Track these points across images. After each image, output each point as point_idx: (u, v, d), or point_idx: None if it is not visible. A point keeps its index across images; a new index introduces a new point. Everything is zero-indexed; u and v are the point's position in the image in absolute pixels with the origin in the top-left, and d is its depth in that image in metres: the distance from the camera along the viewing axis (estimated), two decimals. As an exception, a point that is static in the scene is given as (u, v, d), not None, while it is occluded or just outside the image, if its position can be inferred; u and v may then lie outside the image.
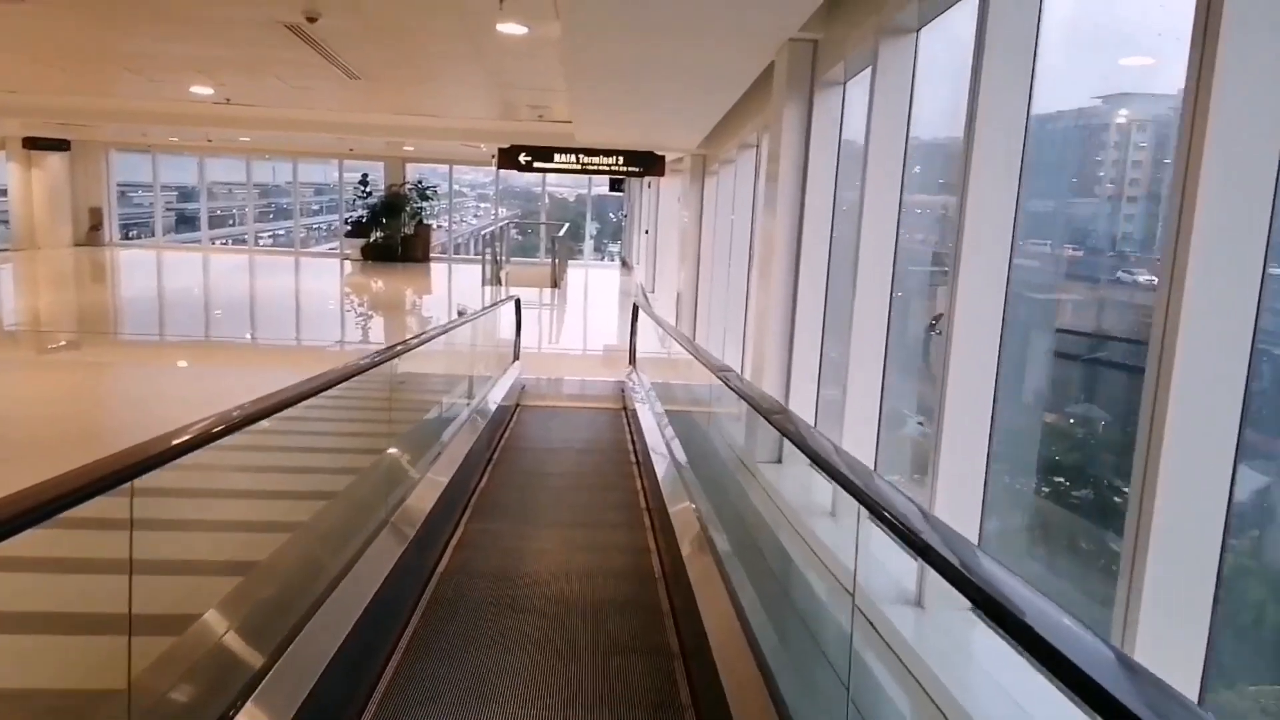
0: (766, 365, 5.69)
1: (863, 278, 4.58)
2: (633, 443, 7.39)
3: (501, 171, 31.96)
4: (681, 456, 5.72)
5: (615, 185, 23.59)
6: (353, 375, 3.52)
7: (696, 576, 3.62)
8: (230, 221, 27.65)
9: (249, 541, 3.67)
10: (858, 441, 4.54)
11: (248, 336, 12.72)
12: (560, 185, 34.20)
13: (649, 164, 10.67)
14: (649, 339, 9.70)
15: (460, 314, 6.94)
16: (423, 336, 5.31)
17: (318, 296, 17.88)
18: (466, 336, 7.19)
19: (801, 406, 5.62)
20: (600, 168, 10.66)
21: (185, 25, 6.31)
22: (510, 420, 7.96)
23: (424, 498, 4.46)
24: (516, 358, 9.50)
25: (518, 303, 9.46)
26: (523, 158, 10.64)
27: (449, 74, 7.91)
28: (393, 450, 4.61)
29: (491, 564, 4.46)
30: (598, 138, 10.16)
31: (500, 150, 10.52)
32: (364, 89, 8.34)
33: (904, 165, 4.39)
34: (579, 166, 10.65)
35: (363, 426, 4.85)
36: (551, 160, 10.59)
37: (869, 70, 4.43)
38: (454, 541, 4.79)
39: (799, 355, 5.62)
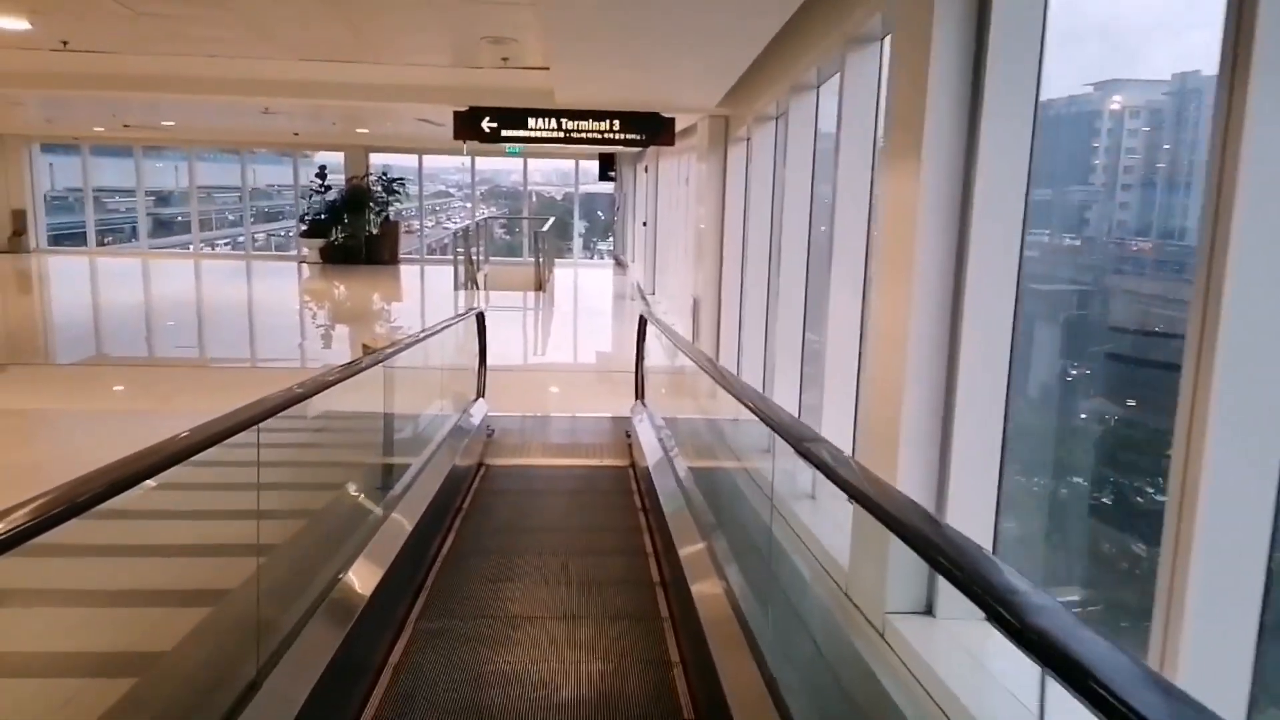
0: (905, 436, 3.15)
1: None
2: (651, 540, 4.85)
3: (484, 168, 29.60)
4: (742, 590, 3.20)
5: (605, 173, 21.03)
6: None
7: None
8: (176, 229, 24.93)
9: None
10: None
11: (145, 353, 10.18)
12: (546, 184, 31.83)
13: (653, 130, 8.11)
14: (655, 352, 7.18)
15: (365, 351, 4.38)
16: (292, 395, 2.83)
17: (259, 308, 15.24)
18: (395, 376, 4.63)
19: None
20: (589, 135, 8.08)
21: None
22: (466, 495, 5.41)
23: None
24: (480, 394, 6.93)
25: (480, 319, 6.90)
26: (486, 123, 8.09)
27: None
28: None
29: None
30: (584, 95, 7.59)
31: (457, 115, 7.96)
32: (249, 22, 5.76)
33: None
34: (561, 134, 8.08)
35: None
36: (525, 126, 8.03)
37: None
38: None
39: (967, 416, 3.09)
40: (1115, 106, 3.36)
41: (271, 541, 3.45)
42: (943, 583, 3.06)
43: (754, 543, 3.85)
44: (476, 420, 6.42)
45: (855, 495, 2.01)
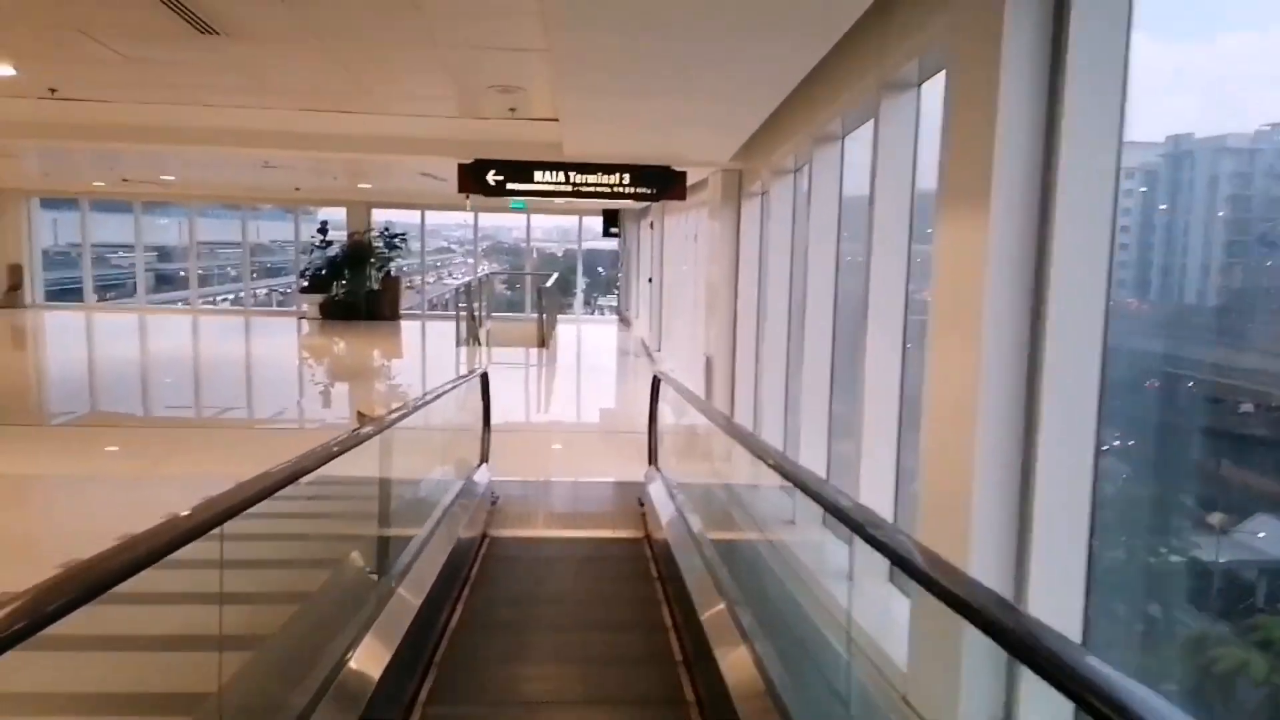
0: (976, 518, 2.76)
1: None
2: (670, 615, 4.41)
3: (487, 224, 29.53)
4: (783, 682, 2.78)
5: (609, 229, 20.91)
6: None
7: None
8: (180, 284, 24.70)
9: None
10: None
11: (139, 411, 9.78)
12: (548, 240, 31.82)
13: (664, 184, 7.86)
14: (669, 413, 6.80)
15: (360, 420, 4.00)
16: (275, 478, 2.46)
17: (256, 364, 14.88)
18: (395, 442, 4.24)
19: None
20: (598, 189, 7.82)
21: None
22: (471, 567, 4.98)
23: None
24: (484, 459, 6.53)
25: (484, 381, 6.53)
26: (492, 176, 7.83)
27: (380, 42, 5.10)
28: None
29: None
30: (594, 148, 7.35)
31: (461, 169, 7.71)
32: (245, 68, 5.53)
33: None
34: (569, 188, 7.82)
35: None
36: (531, 180, 7.78)
37: None
38: None
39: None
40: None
41: (254, 633, 3.04)
42: (1025, 689, 2.64)
43: (798, 633, 3.43)
44: (481, 487, 6.01)
45: (949, 599, 1.63)
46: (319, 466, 2.82)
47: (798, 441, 5.95)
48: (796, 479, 2.86)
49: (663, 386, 6.58)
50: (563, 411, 11.37)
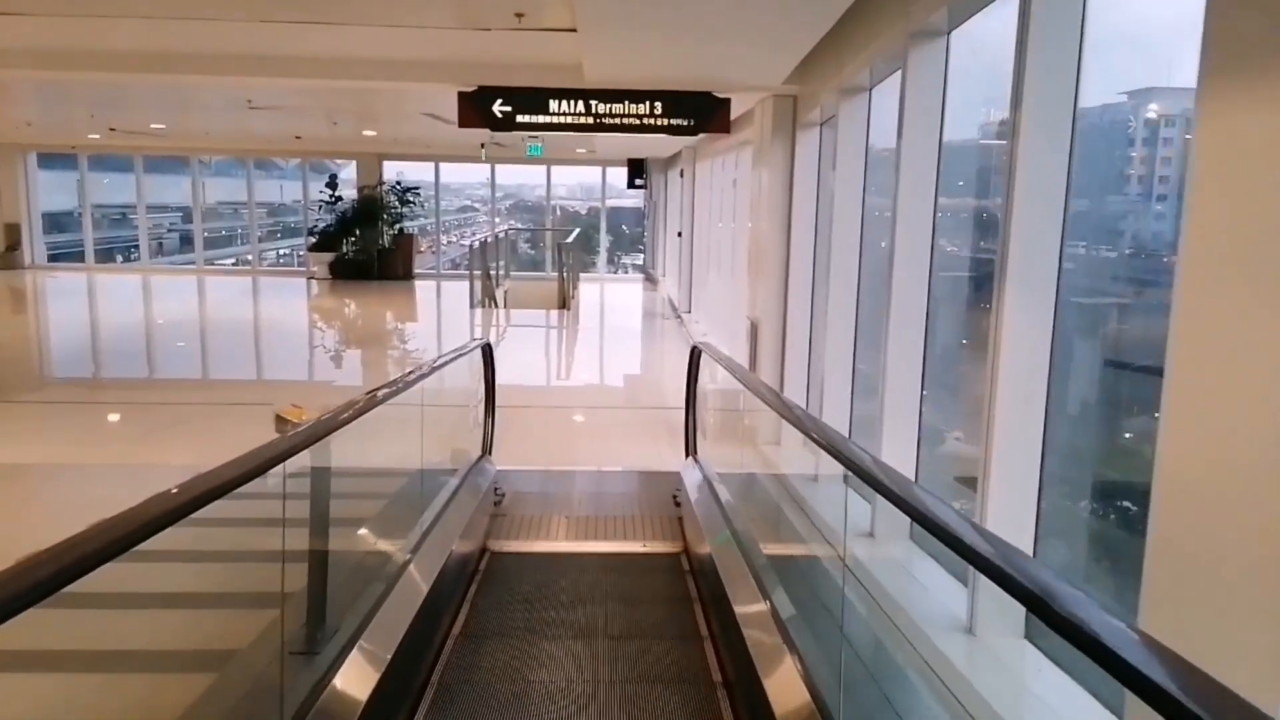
0: None
1: None
2: (720, 667, 3.24)
3: (508, 180, 28.18)
4: None
5: (634, 181, 19.52)
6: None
7: None
8: (193, 245, 23.67)
9: None
10: None
11: (135, 374, 8.73)
12: (571, 197, 30.49)
13: (704, 114, 6.53)
14: (711, 394, 5.59)
15: (279, 425, 2.83)
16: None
17: (262, 329, 13.80)
18: (348, 450, 3.06)
19: None
20: (626, 121, 6.51)
21: None
22: (460, 606, 3.83)
23: None
24: (486, 451, 5.36)
25: (487, 353, 5.32)
26: (498, 107, 6.55)
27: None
28: None
29: None
30: (620, 70, 6.04)
31: (462, 99, 6.44)
32: None
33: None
34: (590, 120, 6.52)
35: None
36: (545, 110, 6.49)
37: None
38: None
39: None
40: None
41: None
42: None
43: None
44: (482, 485, 4.85)
45: None
46: (169, 518, 1.64)
47: (872, 432, 4.71)
48: (877, 480, 1.72)
49: (704, 360, 5.35)
50: (584, 383, 10.17)
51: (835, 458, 2.47)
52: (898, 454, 4.34)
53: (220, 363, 11.02)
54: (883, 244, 5.48)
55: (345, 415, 2.52)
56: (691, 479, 5.15)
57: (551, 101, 6.49)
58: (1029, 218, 2.99)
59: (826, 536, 4.38)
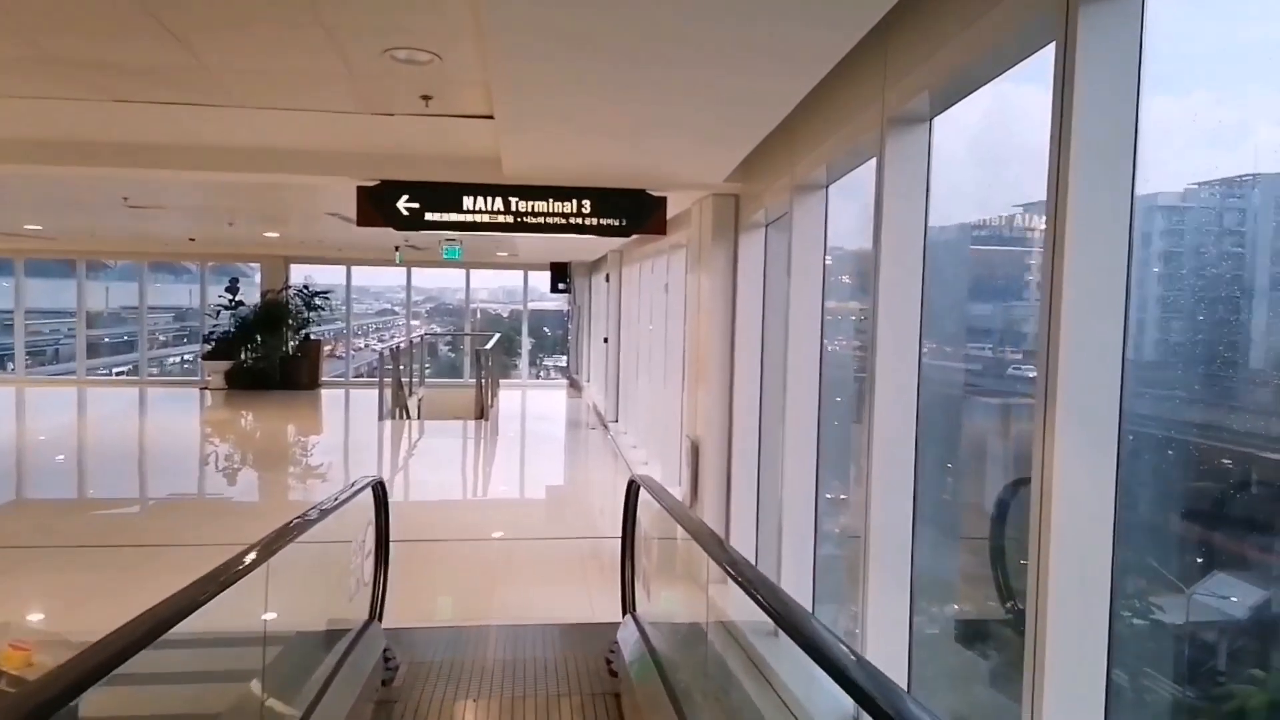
0: None
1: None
2: None
3: (429, 284, 27.46)
4: None
5: (557, 285, 18.95)
6: None
7: None
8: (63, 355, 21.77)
9: None
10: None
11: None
12: (493, 300, 29.88)
13: (637, 213, 5.90)
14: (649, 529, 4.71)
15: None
16: None
17: (118, 453, 12.31)
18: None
19: None
20: (550, 221, 5.81)
21: None
22: None
23: None
24: (376, 614, 4.33)
25: (379, 493, 4.36)
26: (404, 204, 5.76)
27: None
28: None
29: None
30: (543, 162, 5.37)
31: (363, 195, 5.66)
32: (29, 37, 3.53)
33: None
34: (510, 219, 5.80)
35: None
36: (459, 208, 5.74)
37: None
38: None
39: None
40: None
41: None
42: None
43: None
44: (367, 666, 3.82)
45: None
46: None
47: (848, 577, 3.90)
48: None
49: (643, 496, 4.49)
50: (501, 508, 9.14)
51: (812, 655, 1.73)
52: (886, 615, 3.53)
53: (46, 485, 9.60)
54: (848, 351, 4.81)
55: (94, 663, 1.57)
56: (631, 643, 4.22)
57: (466, 198, 5.75)
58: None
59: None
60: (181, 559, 6.16)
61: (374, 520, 4.36)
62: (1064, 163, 2.30)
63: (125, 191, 8.40)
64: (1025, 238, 4.02)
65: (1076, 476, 2.31)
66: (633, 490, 4.53)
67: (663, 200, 5.83)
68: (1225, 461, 2.88)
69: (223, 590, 2.42)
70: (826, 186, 4.64)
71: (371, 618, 4.26)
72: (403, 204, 5.71)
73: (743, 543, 5.72)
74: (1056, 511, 2.31)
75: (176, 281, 22.96)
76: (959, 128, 3.47)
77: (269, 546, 2.56)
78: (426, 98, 4.43)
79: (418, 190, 5.71)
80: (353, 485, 3.92)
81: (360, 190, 5.67)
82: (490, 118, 4.75)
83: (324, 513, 3.20)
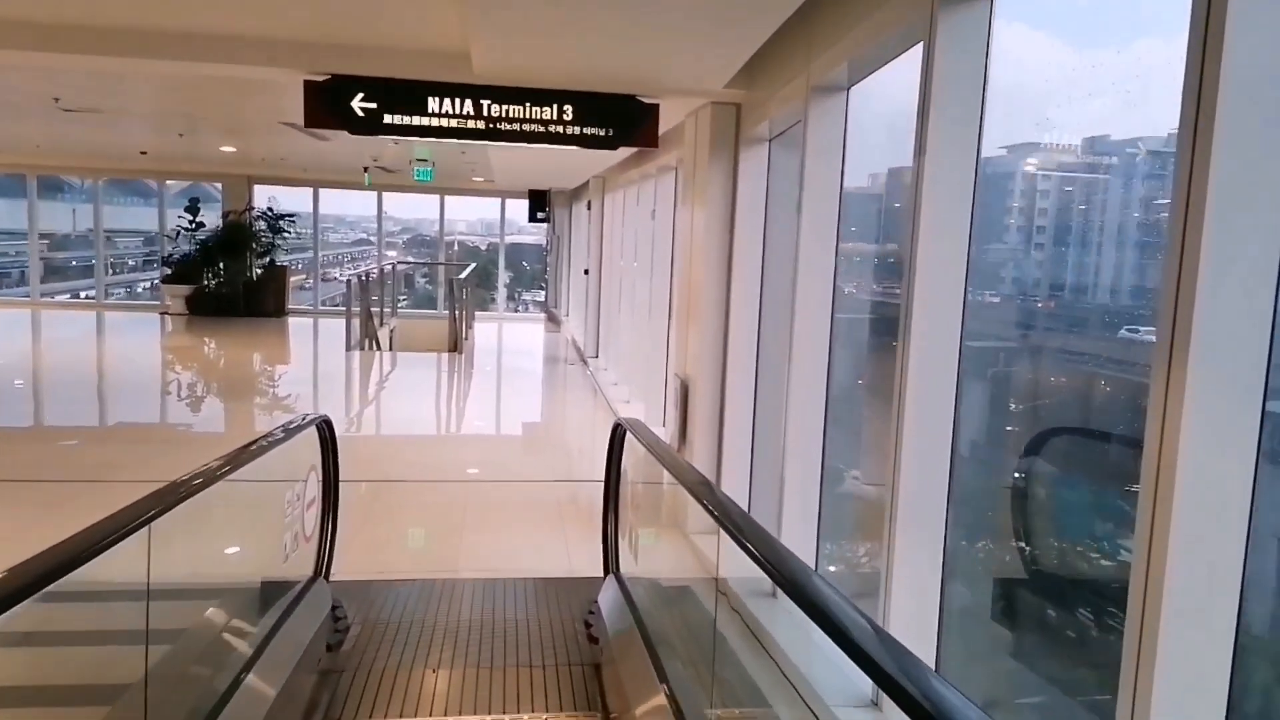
0: None
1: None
2: None
3: (406, 216, 26.53)
4: None
5: (535, 214, 18.15)
6: None
7: None
8: (60, 276, 20.73)
9: None
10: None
11: None
12: (471, 233, 29.06)
13: (626, 121, 5.22)
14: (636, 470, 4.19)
15: None
16: None
17: (70, 378, 11.58)
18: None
19: None
20: (527, 129, 5.12)
21: None
22: None
23: None
24: (322, 571, 3.79)
25: (325, 433, 3.78)
26: (359, 103, 5.04)
27: None
28: None
29: None
30: (518, 59, 4.66)
31: (311, 90, 4.93)
32: None
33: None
34: (482, 124, 5.11)
35: None
36: (423, 110, 5.04)
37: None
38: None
39: None
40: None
41: None
42: None
43: None
44: (309, 630, 3.30)
45: None
46: None
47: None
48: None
49: (629, 441, 3.95)
50: (471, 448, 8.60)
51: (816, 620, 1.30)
52: (912, 581, 3.04)
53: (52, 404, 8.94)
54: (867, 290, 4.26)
55: None
56: (613, 606, 3.73)
57: (431, 99, 5.04)
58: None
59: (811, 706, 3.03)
60: (115, 496, 5.59)
61: (319, 464, 3.79)
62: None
63: (49, 89, 7.54)
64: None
65: (1207, 463, 1.77)
66: (618, 435, 3.98)
67: (655, 107, 5.15)
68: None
69: (97, 554, 1.87)
70: (848, 89, 4.01)
71: (316, 574, 3.73)
72: (358, 103, 5.00)
73: (735, 492, 5.23)
74: (1178, 506, 1.77)
75: (146, 205, 21.94)
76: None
77: (142, 511, 1.98)
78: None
79: (375, 87, 4.99)
80: (289, 424, 3.33)
81: (308, 85, 4.95)
82: (456, -2, 4.04)
83: (234, 463, 2.62)
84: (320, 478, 3.79)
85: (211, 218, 17.09)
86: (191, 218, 16.76)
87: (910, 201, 3.01)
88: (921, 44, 2.94)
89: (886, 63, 3.50)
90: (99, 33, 4.80)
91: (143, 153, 13.51)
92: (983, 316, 3.38)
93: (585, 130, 5.16)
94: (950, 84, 2.89)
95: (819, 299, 4.11)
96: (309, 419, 3.66)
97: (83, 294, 19.22)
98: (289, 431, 3.20)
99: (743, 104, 5.24)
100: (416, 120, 5.08)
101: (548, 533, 5.57)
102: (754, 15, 3.72)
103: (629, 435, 3.88)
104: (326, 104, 4.99)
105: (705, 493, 2.56)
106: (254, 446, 2.87)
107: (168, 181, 18.16)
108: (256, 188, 17.46)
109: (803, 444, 4.15)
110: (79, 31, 4.80)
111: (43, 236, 20.99)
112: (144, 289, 22.54)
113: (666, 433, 7.08)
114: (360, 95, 4.98)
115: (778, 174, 5.20)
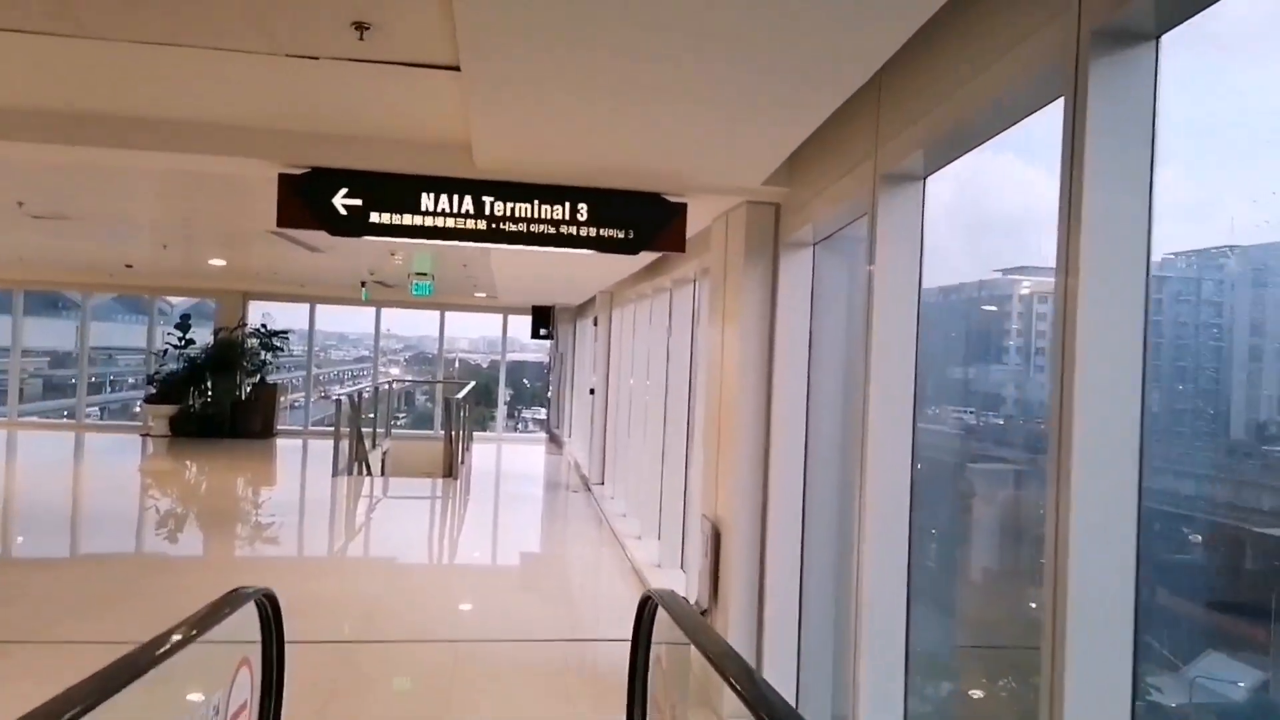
0: None
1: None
2: None
3: (408, 333, 26.07)
4: None
5: (538, 331, 17.59)
6: None
7: None
8: (62, 394, 20.07)
9: None
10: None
11: None
12: (473, 351, 28.73)
13: (650, 224, 4.52)
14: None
15: None
16: None
17: (38, 504, 10.59)
18: None
19: None
20: (535, 230, 4.43)
21: None
22: None
23: None
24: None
25: (267, 607, 2.88)
26: (342, 199, 4.34)
27: None
28: None
29: None
30: (528, 153, 4.00)
31: (285, 184, 4.26)
32: None
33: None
34: (484, 225, 4.42)
35: None
36: (416, 208, 4.33)
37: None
38: None
39: None
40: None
41: None
42: None
43: None
44: None
45: None
46: None
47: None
48: None
49: (659, 619, 3.02)
50: (460, 597, 7.56)
51: None
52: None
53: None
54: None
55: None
56: None
57: (425, 195, 4.36)
58: None
59: None
60: (38, 658, 4.58)
61: (257, 655, 2.85)
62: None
63: (11, 191, 6.93)
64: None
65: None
66: (647, 611, 3.05)
67: (682, 206, 4.46)
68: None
69: None
70: (924, 178, 3.31)
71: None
72: (340, 200, 4.31)
73: (781, 671, 4.24)
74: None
75: (140, 322, 21.56)
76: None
77: None
78: (362, 26, 3.05)
79: (360, 181, 4.32)
80: (209, 610, 2.42)
81: (283, 179, 4.27)
82: (454, 69, 3.39)
83: (109, 683, 1.72)
84: (255, 673, 2.84)
85: (205, 335, 16.51)
86: (181, 334, 16.13)
87: (1057, 326, 2.20)
88: (1063, 101, 2.22)
89: (993, 135, 2.79)
90: (51, 117, 4.17)
91: (128, 265, 12.97)
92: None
93: (602, 232, 4.46)
94: (1108, 159, 2.14)
95: (897, 430, 3.27)
96: (245, 593, 2.75)
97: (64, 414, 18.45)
98: (202, 623, 2.29)
99: (782, 203, 4.56)
100: (408, 219, 4.38)
101: (555, 709, 4.53)
102: (814, 91, 3.05)
103: (661, 611, 2.96)
104: (301, 200, 4.30)
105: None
106: (140, 658, 1.96)
107: (171, 299, 17.75)
108: (252, 304, 16.95)
109: (882, 621, 3.22)
110: (32, 116, 4.16)
111: (44, 353, 20.55)
112: (140, 408, 21.82)
113: (686, 581, 6.10)
114: (343, 191, 4.30)
115: (823, 282, 4.47)
